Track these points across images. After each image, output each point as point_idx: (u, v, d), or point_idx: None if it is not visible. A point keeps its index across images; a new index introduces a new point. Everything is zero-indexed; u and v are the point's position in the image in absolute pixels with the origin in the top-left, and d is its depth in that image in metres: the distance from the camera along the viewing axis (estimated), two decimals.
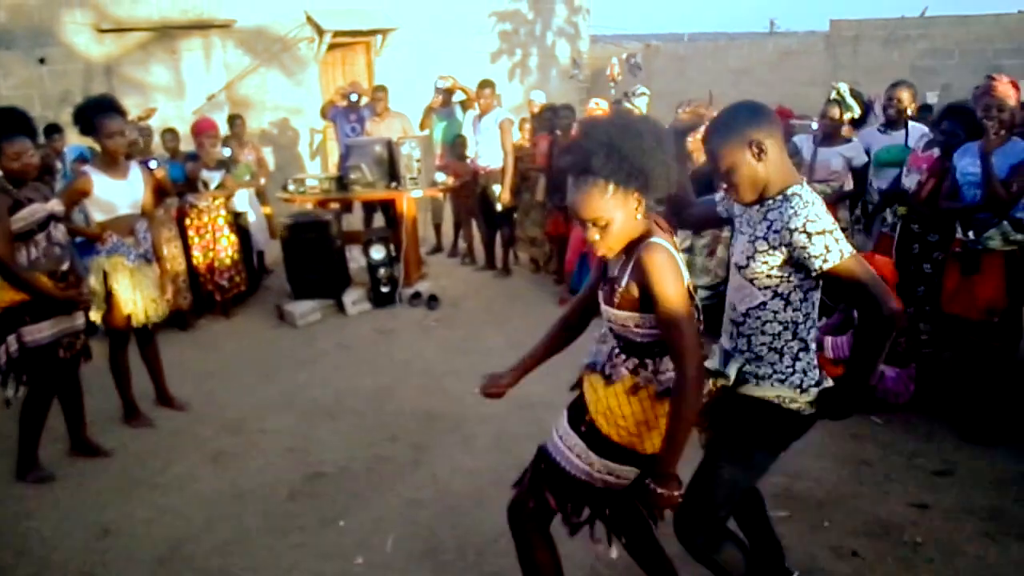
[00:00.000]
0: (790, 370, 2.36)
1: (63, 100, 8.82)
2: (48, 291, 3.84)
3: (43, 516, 3.76)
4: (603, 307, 2.36)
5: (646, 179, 2.13)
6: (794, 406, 2.36)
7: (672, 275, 2.14)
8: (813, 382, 2.37)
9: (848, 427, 4.26)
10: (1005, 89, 4.12)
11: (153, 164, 5.96)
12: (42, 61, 9.07)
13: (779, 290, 2.30)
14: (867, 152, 5.25)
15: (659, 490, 2.19)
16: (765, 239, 2.26)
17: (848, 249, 2.18)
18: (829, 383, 2.41)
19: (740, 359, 2.42)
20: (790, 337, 2.34)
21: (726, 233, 5.46)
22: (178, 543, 3.51)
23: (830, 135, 5.39)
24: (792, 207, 2.22)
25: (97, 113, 4.28)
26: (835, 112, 5.39)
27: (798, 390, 2.35)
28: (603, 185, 2.11)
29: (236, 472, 4.14)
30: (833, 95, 5.56)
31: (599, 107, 6.91)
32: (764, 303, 2.33)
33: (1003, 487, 3.70)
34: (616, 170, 2.10)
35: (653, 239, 2.19)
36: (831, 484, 3.75)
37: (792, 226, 2.18)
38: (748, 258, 2.33)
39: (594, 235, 2.19)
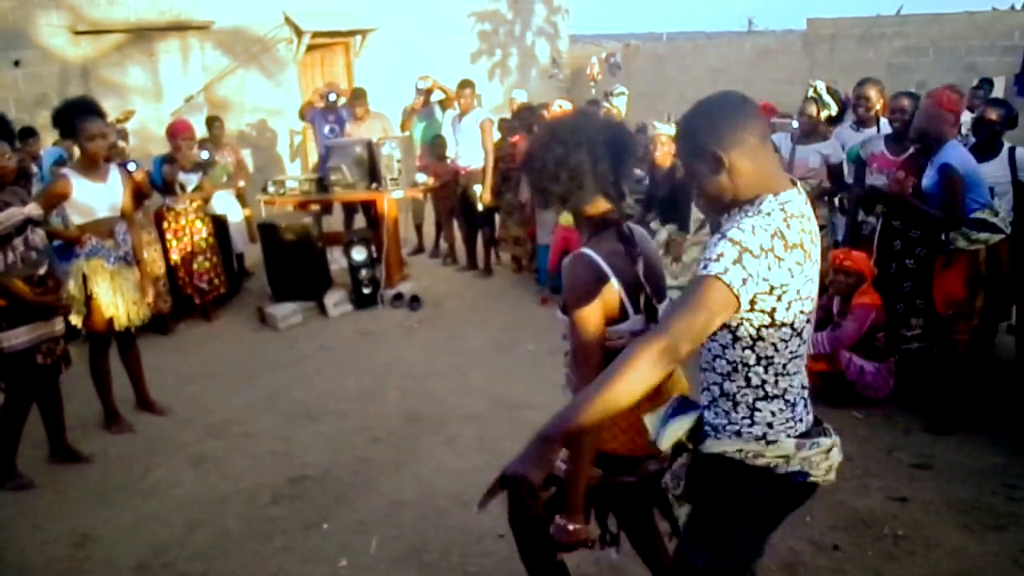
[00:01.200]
0: (747, 422, 1.92)
1: (39, 103, 8.72)
2: (25, 296, 3.80)
3: (22, 523, 3.72)
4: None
5: (561, 194, 2.21)
6: (761, 461, 1.91)
7: (578, 286, 2.15)
8: (783, 433, 1.92)
9: (827, 422, 4.31)
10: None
11: (132, 166, 5.92)
12: (17, 64, 8.96)
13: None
14: (843, 148, 5.31)
15: (567, 525, 2.08)
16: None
17: (718, 273, 1.71)
18: (827, 439, 2.00)
19: (685, 417, 2.01)
20: (743, 383, 1.90)
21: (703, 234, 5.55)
22: (159, 549, 3.48)
23: (808, 133, 5.44)
24: (740, 217, 1.82)
25: (77, 115, 4.25)
26: (812, 110, 5.45)
27: (762, 441, 1.91)
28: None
29: (218, 476, 4.12)
30: (810, 93, 5.62)
31: (561, 108, 6.90)
32: (713, 333, 1.84)
33: (980, 479, 3.75)
34: (546, 196, 2.24)
35: (582, 249, 2.23)
36: None
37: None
38: None
39: None
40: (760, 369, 1.88)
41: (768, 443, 1.90)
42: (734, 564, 2.01)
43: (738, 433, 1.92)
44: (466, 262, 7.98)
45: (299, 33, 10.75)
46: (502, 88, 12.82)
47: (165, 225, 6.41)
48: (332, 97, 8.30)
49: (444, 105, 8.25)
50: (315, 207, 7.44)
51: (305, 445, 4.42)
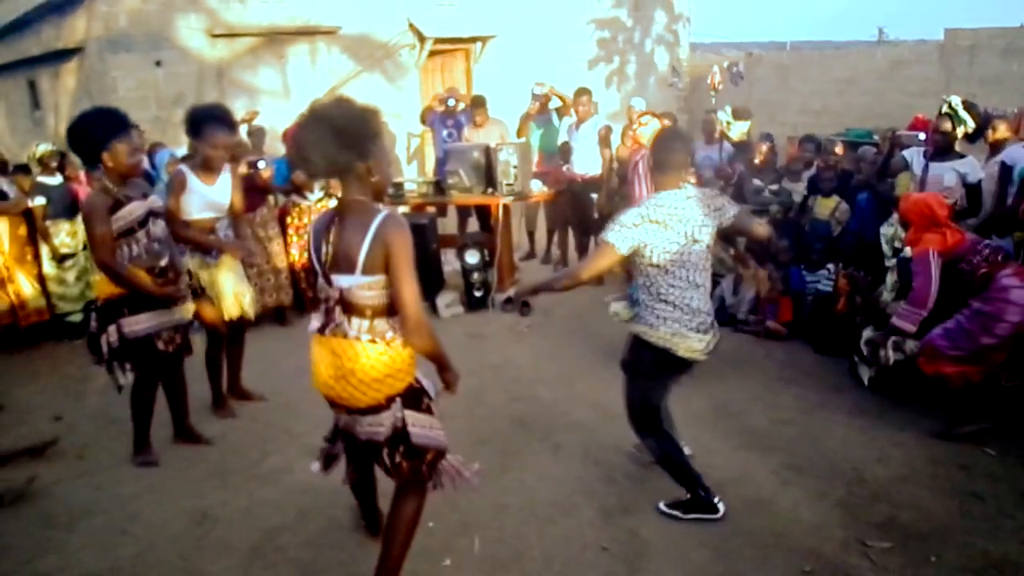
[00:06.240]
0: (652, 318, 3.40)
1: (176, 102, 9.22)
2: (146, 288, 3.94)
3: (146, 499, 3.91)
4: (331, 275, 2.68)
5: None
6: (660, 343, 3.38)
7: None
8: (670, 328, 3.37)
9: (957, 457, 4.06)
10: None
11: (261, 164, 6.16)
12: (158, 64, 9.50)
13: None
14: (1012, 168, 4.91)
15: (449, 374, 3.08)
16: None
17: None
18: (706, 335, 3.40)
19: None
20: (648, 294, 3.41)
21: None
22: (272, 533, 3.60)
23: (942, 150, 5.16)
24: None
25: (207, 121, 4.39)
26: (947, 126, 5.16)
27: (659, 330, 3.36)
28: None
29: None
30: (944, 109, 5.32)
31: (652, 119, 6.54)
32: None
33: None
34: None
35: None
36: (938, 516, 3.56)
37: None
38: None
39: None
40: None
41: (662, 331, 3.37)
42: (648, 395, 3.55)
43: (649, 324, 3.39)
44: None
45: (422, 39, 10.99)
46: (619, 95, 12.75)
47: (288, 220, 6.64)
48: (451, 102, 8.44)
49: (561, 112, 8.25)
50: (431, 209, 7.57)
51: None
